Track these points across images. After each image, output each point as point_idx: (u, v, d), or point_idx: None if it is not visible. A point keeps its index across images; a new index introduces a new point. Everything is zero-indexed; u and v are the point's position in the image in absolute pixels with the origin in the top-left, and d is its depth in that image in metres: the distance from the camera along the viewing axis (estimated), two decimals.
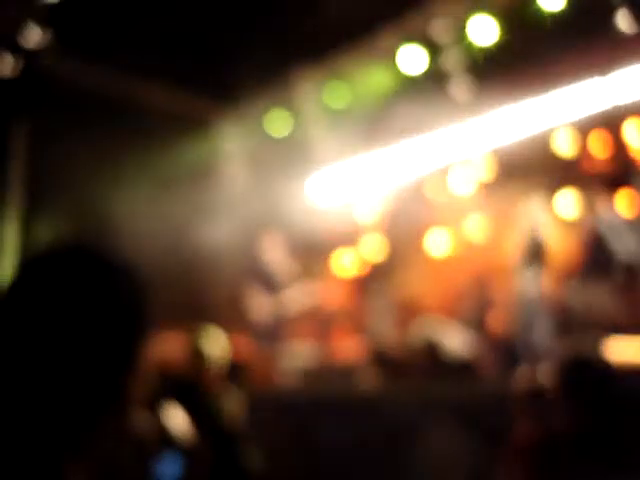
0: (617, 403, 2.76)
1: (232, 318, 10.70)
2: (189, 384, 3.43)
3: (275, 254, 9.88)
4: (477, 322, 9.36)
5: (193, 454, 1.21)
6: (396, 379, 6.57)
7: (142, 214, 9.84)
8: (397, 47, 9.62)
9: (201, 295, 10.97)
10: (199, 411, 3.22)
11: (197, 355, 3.56)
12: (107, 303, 1.01)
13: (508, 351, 7.46)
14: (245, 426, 3.46)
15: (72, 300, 1.00)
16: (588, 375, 2.82)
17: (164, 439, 1.26)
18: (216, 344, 3.74)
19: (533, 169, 10.88)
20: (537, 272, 7.05)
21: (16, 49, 9.45)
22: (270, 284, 9.74)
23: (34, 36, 9.34)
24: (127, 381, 1.04)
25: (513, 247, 7.74)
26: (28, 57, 9.48)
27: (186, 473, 1.22)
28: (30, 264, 1.05)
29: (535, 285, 7.06)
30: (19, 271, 1.04)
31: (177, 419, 1.30)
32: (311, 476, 6.55)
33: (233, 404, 3.57)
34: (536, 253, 7.01)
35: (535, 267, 7.04)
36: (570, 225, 9.73)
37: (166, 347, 8.52)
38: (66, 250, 1.10)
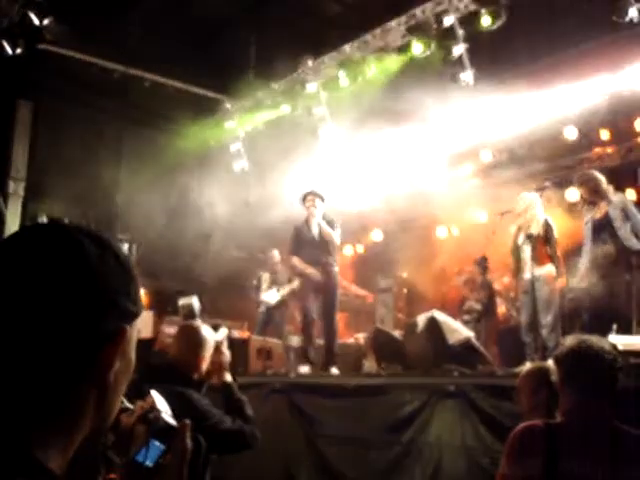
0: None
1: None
2: (184, 371, 3.37)
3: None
4: (482, 311, 9.32)
5: (176, 442, 1.16)
6: (397, 361, 6.50)
7: (145, 195, 9.82)
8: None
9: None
10: (191, 401, 3.20)
11: (197, 344, 3.48)
12: (70, 274, 0.99)
13: (513, 341, 7.37)
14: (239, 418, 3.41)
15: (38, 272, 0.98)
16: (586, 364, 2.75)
17: (148, 425, 1.21)
18: (216, 334, 3.68)
19: (537, 158, 10.88)
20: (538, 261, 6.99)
21: (20, 31, 9.41)
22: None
23: (38, 18, 9.30)
24: (105, 353, 1.01)
25: (515, 236, 7.67)
26: (32, 39, 9.44)
27: (167, 460, 1.17)
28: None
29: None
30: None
31: (163, 406, 1.25)
32: (310, 463, 6.48)
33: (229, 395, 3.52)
34: (539, 240, 6.95)
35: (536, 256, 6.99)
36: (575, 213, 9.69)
37: (162, 332, 8.49)
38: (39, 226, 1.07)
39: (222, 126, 12.29)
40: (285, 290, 9.57)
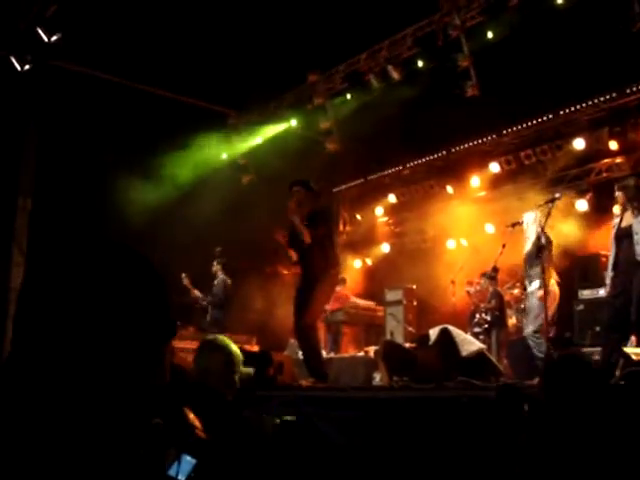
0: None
1: None
2: (213, 390, 3.29)
3: None
4: (492, 322, 9.29)
5: (207, 457, 1.15)
6: (408, 374, 6.44)
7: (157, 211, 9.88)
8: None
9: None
10: (219, 417, 3.12)
11: (227, 362, 3.42)
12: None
13: (524, 352, 7.31)
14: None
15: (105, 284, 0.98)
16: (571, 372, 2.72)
17: (181, 440, 1.20)
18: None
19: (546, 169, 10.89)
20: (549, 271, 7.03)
21: (29, 47, 9.47)
22: None
23: (47, 35, 9.35)
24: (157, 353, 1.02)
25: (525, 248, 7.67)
26: (41, 55, 9.49)
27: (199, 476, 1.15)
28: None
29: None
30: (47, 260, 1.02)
31: (195, 421, 1.24)
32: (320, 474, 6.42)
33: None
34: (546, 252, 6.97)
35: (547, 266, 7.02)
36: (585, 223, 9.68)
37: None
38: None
39: (230, 139, 12.36)
40: None
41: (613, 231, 6.81)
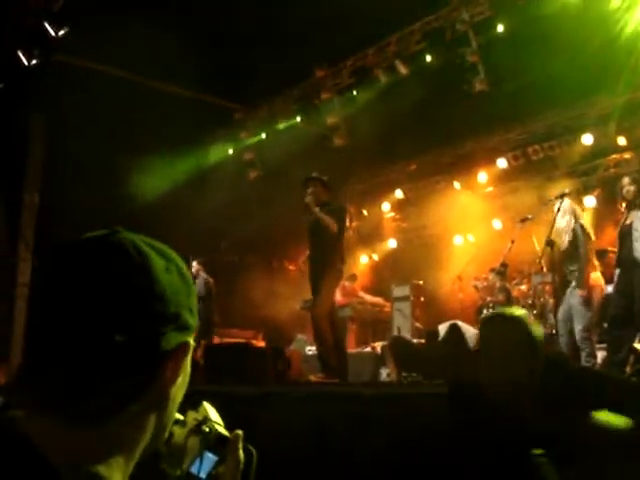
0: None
1: None
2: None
3: None
4: None
5: (229, 453, 1.13)
6: (417, 369, 6.42)
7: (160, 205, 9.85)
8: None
9: None
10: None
11: None
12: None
13: None
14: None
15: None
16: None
17: (201, 437, 1.18)
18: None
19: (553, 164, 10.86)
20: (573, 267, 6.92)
21: (36, 41, 9.45)
22: None
23: (54, 30, 9.33)
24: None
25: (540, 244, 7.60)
26: (47, 49, 9.47)
27: (221, 471, 1.14)
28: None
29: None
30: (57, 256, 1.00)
31: (215, 416, 1.22)
32: (328, 471, 6.41)
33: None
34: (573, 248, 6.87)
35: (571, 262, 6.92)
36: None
37: None
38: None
39: (236, 135, 12.35)
40: None
41: (618, 228, 6.78)
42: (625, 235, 6.59)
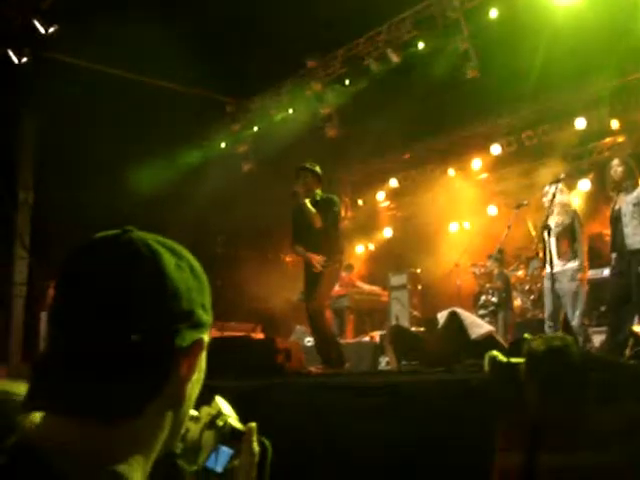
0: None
1: None
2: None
3: None
4: (498, 304, 9.30)
5: (244, 447, 1.14)
6: (416, 358, 6.43)
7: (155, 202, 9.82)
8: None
9: None
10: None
11: None
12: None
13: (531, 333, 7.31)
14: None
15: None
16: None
17: (216, 431, 1.20)
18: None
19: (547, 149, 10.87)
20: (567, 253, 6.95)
21: (26, 39, 9.40)
22: None
23: (44, 27, 9.28)
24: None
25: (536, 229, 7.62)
26: (38, 47, 9.42)
27: (236, 465, 1.15)
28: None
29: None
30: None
31: (229, 410, 1.23)
32: (329, 463, 6.43)
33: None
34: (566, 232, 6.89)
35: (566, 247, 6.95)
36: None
37: None
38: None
39: (229, 128, 12.32)
40: None
41: (609, 213, 6.80)
42: (616, 220, 6.60)
